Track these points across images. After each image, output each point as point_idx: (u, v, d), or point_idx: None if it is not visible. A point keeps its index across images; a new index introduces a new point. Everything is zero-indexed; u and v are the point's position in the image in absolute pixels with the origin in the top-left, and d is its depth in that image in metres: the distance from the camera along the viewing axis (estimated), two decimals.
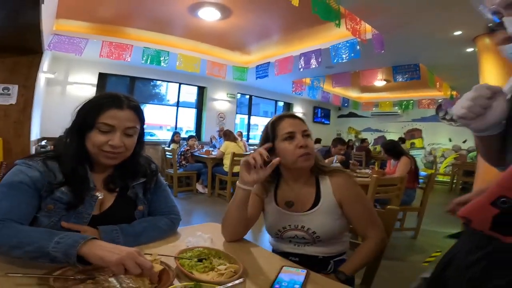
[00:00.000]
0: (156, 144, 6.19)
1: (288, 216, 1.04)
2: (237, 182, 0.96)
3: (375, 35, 3.82)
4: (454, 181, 6.58)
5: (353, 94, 9.19)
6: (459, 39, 4.02)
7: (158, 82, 6.84)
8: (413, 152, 7.09)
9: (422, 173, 3.56)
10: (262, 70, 5.66)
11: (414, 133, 7.20)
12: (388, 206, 1.10)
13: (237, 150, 4.72)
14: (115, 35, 4.45)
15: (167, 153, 5.19)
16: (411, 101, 8.31)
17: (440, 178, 7.30)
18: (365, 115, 10.37)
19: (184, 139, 5.81)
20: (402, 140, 7.76)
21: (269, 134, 1.04)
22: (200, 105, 7.35)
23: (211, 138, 6.84)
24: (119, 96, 0.88)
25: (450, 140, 7.99)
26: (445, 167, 7.68)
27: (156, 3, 3.64)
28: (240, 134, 6.85)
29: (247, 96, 8.56)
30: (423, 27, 3.70)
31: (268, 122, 1.08)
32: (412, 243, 3.02)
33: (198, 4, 3.65)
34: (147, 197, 0.99)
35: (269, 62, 5.42)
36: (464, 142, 7.64)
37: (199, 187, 5.09)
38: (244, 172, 0.93)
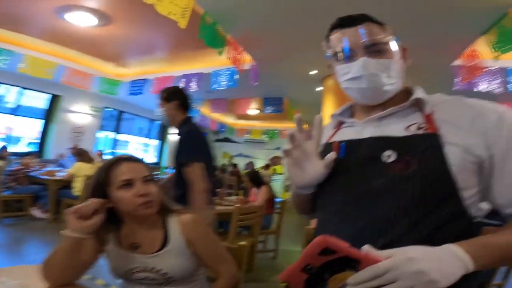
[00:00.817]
0: None
1: (135, 259, 0.93)
2: (64, 231, 0.80)
3: (252, 67, 4.10)
4: None
5: (229, 120, 9.80)
6: (314, 78, 4.66)
7: None
8: (275, 178, 8.06)
9: (278, 199, 4.05)
10: (138, 86, 5.24)
11: (276, 160, 8.22)
12: (239, 243, 1.16)
13: (92, 172, 4.07)
14: None
15: None
16: (276, 131, 9.59)
17: None
18: (239, 141, 11.21)
19: (17, 154, 4.61)
20: (267, 166, 8.67)
21: (102, 181, 0.89)
22: (50, 116, 6.02)
23: (58, 156, 5.66)
24: None
25: None
26: None
27: None
28: (100, 154, 5.96)
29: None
30: (291, 63, 4.20)
31: (101, 166, 0.94)
32: (273, 263, 3.29)
33: (70, 7, 3.12)
34: None
35: (146, 79, 5.09)
36: None
37: (36, 212, 4.15)
38: (73, 220, 0.79)
